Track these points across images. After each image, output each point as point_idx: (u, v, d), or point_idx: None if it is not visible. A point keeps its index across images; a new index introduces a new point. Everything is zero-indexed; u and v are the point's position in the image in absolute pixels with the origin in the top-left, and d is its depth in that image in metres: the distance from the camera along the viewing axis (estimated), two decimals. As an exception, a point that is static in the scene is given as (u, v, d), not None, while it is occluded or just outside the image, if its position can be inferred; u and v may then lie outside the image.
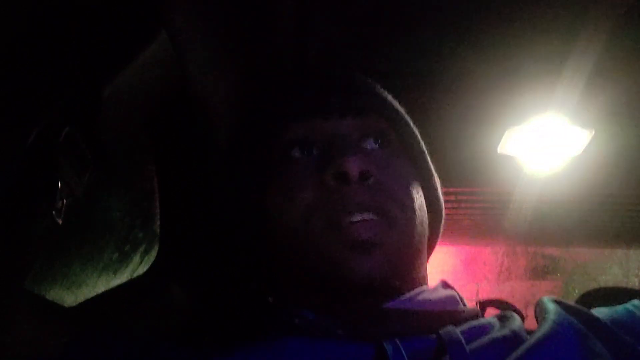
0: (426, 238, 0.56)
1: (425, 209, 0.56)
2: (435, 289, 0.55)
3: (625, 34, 0.87)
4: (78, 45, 0.43)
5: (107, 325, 0.55)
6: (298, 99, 0.57)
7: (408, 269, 0.52)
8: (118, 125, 0.46)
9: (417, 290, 0.52)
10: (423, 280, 0.55)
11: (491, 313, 0.55)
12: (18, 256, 0.37)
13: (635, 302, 0.52)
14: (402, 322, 0.47)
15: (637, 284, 4.59)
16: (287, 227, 0.52)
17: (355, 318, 0.47)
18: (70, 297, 0.61)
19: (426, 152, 0.60)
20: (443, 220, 0.63)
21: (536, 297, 0.54)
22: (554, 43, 0.91)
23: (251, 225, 0.57)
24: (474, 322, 0.49)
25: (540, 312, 0.51)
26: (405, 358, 0.42)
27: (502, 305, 0.55)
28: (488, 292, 4.50)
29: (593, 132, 1.50)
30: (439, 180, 0.63)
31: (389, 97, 0.59)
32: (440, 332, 0.45)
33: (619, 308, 0.52)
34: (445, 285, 0.57)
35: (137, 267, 0.71)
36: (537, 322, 0.49)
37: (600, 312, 0.51)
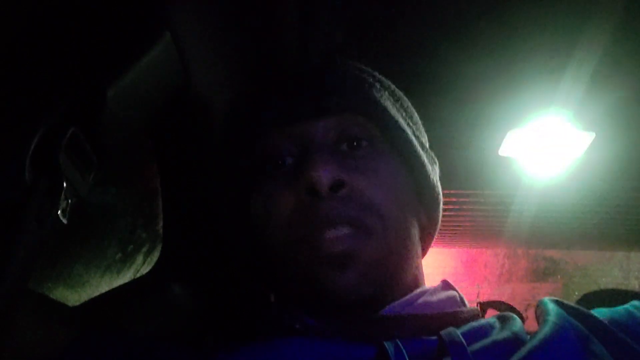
0: (415, 238, 0.54)
1: (416, 204, 0.55)
2: (435, 290, 0.54)
3: (626, 38, 0.87)
4: (82, 46, 0.44)
5: (110, 325, 0.56)
6: (269, 106, 0.54)
7: (393, 276, 0.50)
8: (122, 126, 0.46)
9: (417, 292, 0.52)
10: (415, 280, 0.54)
11: (492, 314, 0.55)
12: (22, 256, 0.37)
13: (635, 302, 0.52)
14: (402, 326, 0.47)
15: (637, 286, 4.58)
16: (268, 241, 0.52)
17: (355, 324, 0.47)
18: (74, 296, 0.61)
19: (415, 142, 0.56)
20: (440, 208, 0.61)
21: (536, 298, 0.54)
22: (556, 47, 0.91)
23: (245, 230, 0.57)
24: (475, 324, 0.48)
25: (540, 313, 0.50)
26: (407, 358, 0.42)
27: (502, 306, 0.55)
28: (489, 293, 4.50)
29: (594, 135, 1.50)
30: (436, 167, 0.60)
31: (369, 90, 0.55)
32: (441, 333, 0.45)
33: (619, 309, 0.51)
34: (446, 285, 0.56)
35: (140, 267, 0.71)
36: (538, 323, 0.49)
37: (600, 312, 0.51)
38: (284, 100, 0.54)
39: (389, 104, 0.56)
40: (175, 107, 0.58)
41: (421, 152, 0.57)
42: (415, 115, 0.60)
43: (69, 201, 0.40)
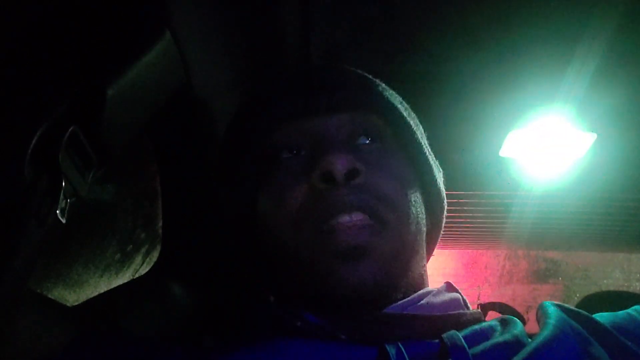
0: (423, 236, 0.54)
1: (422, 205, 0.55)
2: (439, 291, 0.54)
3: (627, 38, 0.87)
4: (82, 45, 0.44)
5: (108, 325, 0.56)
6: (285, 99, 0.54)
7: (403, 273, 0.50)
8: (122, 125, 0.46)
9: (420, 293, 0.52)
10: (421, 281, 0.54)
11: (493, 316, 0.54)
12: (21, 255, 0.37)
13: (638, 307, 0.52)
14: (404, 326, 0.47)
15: (638, 287, 4.58)
16: (276, 232, 0.51)
17: (358, 322, 0.47)
18: (73, 296, 0.61)
19: (424, 144, 0.57)
20: (444, 214, 0.61)
21: (537, 300, 0.54)
22: (557, 47, 0.91)
23: (248, 228, 0.56)
24: (476, 327, 0.48)
25: (541, 316, 0.50)
26: None
27: (503, 308, 0.55)
28: (490, 295, 4.50)
29: (595, 136, 1.50)
30: (441, 173, 0.60)
31: (382, 90, 0.56)
32: (443, 336, 0.45)
33: (620, 313, 0.51)
34: (449, 287, 0.56)
35: (139, 267, 0.71)
36: (539, 326, 0.49)
37: (602, 316, 0.50)
38: (298, 96, 0.54)
39: (399, 105, 0.57)
40: (176, 106, 0.58)
41: (429, 156, 0.58)
42: (421, 127, 0.61)
43: (68, 200, 0.40)
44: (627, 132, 1.40)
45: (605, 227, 3.01)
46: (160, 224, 0.72)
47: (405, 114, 0.56)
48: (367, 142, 0.53)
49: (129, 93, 0.45)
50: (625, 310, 0.52)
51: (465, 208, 2.69)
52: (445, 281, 0.57)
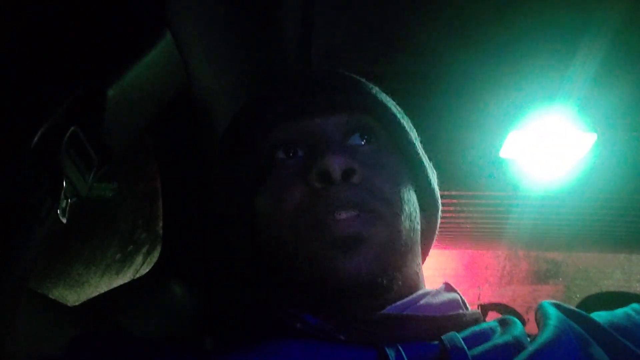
0: (417, 234, 0.55)
1: (417, 204, 0.55)
2: (438, 292, 0.54)
3: (628, 39, 0.87)
4: (83, 45, 0.44)
5: (109, 325, 0.56)
6: (282, 100, 0.55)
7: (397, 266, 0.50)
8: (122, 125, 0.46)
9: (419, 293, 0.52)
10: (416, 278, 0.54)
11: (493, 317, 0.54)
12: (22, 255, 0.37)
13: (635, 306, 0.52)
14: (403, 327, 0.47)
15: (639, 288, 4.58)
16: (275, 231, 0.52)
17: (357, 323, 0.47)
18: (73, 296, 0.61)
19: (418, 146, 0.59)
20: (439, 215, 0.62)
21: (538, 301, 0.54)
22: (557, 48, 0.91)
23: (246, 228, 0.56)
24: (476, 328, 0.48)
25: (541, 317, 0.50)
26: None
27: (503, 309, 0.55)
28: (490, 295, 4.49)
29: (596, 136, 1.50)
30: (435, 174, 0.61)
31: (376, 93, 0.58)
32: (442, 338, 0.45)
33: (618, 312, 0.51)
34: (448, 288, 0.56)
35: (140, 267, 0.71)
36: (538, 327, 0.49)
37: (600, 316, 0.51)
38: (295, 97, 0.55)
39: (393, 108, 0.58)
40: (176, 107, 0.58)
41: (422, 157, 0.59)
42: (415, 131, 0.62)
43: (69, 201, 0.40)
44: (628, 132, 1.40)
45: (606, 227, 3.01)
46: (161, 224, 0.72)
47: (399, 116, 0.58)
48: (363, 142, 0.54)
49: (130, 93, 0.45)
50: (623, 309, 0.52)
51: (465, 208, 2.69)
52: (444, 281, 0.57)
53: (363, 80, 0.59)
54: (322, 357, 0.44)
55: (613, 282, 4.63)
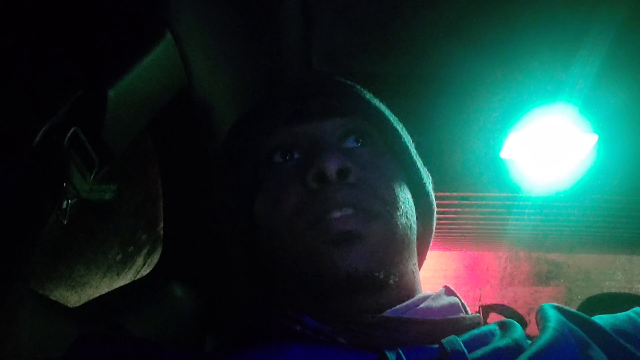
0: (414, 233, 0.55)
1: (412, 203, 0.56)
2: (437, 295, 0.54)
3: (630, 40, 0.87)
4: (84, 46, 0.44)
5: (110, 327, 0.56)
6: (280, 105, 0.57)
7: (394, 262, 0.51)
8: (123, 126, 0.46)
9: (419, 297, 0.52)
10: (413, 279, 0.54)
11: (494, 318, 0.54)
12: (23, 256, 0.37)
13: (637, 309, 0.52)
14: (404, 330, 0.46)
15: (640, 290, 4.57)
16: (274, 232, 0.53)
17: (357, 326, 0.47)
18: (74, 297, 0.61)
19: (411, 148, 0.60)
20: (435, 217, 0.63)
21: (539, 302, 0.54)
22: (559, 48, 0.91)
23: (245, 231, 0.57)
24: (476, 331, 0.48)
25: (540, 319, 0.50)
26: None
27: (505, 310, 0.55)
28: (491, 297, 4.49)
29: (597, 137, 1.50)
30: (429, 178, 0.62)
31: (370, 98, 0.59)
32: (442, 341, 0.45)
33: (620, 315, 0.51)
34: (448, 291, 0.56)
35: (141, 268, 0.71)
36: (538, 329, 0.49)
37: (602, 319, 0.50)
38: (292, 102, 0.57)
39: (387, 113, 0.60)
40: (177, 108, 0.59)
41: (416, 159, 0.60)
42: (409, 136, 0.63)
43: (70, 201, 0.40)
44: (629, 133, 1.40)
45: (607, 228, 3.01)
46: (162, 225, 0.72)
47: (392, 120, 0.59)
48: (358, 144, 0.56)
49: (130, 94, 0.45)
50: (625, 312, 0.51)
51: (466, 209, 2.68)
52: (444, 284, 0.57)
53: (358, 85, 0.60)
54: None
55: (614, 284, 4.62)
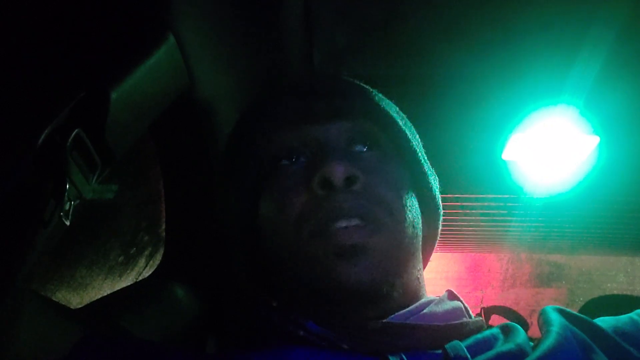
0: (419, 240, 0.55)
1: (419, 210, 0.55)
2: (441, 300, 0.54)
3: (631, 41, 0.87)
4: (87, 48, 0.44)
5: (112, 328, 0.56)
6: (286, 106, 0.56)
7: (399, 273, 0.50)
8: (125, 128, 0.46)
9: (422, 302, 0.52)
10: (417, 284, 0.54)
11: (496, 320, 0.54)
12: (26, 257, 0.37)
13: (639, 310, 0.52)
14: (407, 336, 0.46)
15: (642, 291, 4.55)
16: (278, 238, 0.52)
17: (360, 332, 0.47)
18: (76, 298, 0.61)
19: (419, 152, 0.59)
20: (440, 220, 0.62)
21: (541, 304, 0.54)
22: (560, 51, 0.91)
23: (250, 232, 0.56)
24: (479, 336, 0.48)
25: (543, 323, 0.50)
26: None
27: (507, 312, 0.55)
28: (493, 299, 4.48)
29: (598, 139, 1.50)
30: (436, 180, 0.62)
31: (379, 100, 0.58)
32: (446, 347, 0.44)
33: (623, 317, 0.51)
34: (451, 295, 0.56)
35: (143, 269, 0.71)
36: (541, 333, 0.49)
37: (604, 321, 0.50)
38: (298, 103, 0.55)
39: (395, 115, 0.58)
40: (179, 109, 0.59)
41: (424, 163, 0.59)
42: (418, 136, 0.62)
43: (72, 202, 0.40)
44: (630, 135, 1.40)
45: (609, 230, 3.00)
46: (164, 226, 0.72)
47: (401, 123, 0.58)
48: (365, 149, 0.54)
49: (133, 96, 0.45)
50: (628, 315, 0.51)
51: (468, 211, 2.68)
52: (447, 288, 0.57)
53: (366, 86, 0.59)
54: None
55: (616, 285, 4.61)
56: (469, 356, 0.43)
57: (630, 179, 1.81)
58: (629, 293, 4.38)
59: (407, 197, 0.53)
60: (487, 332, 0.49)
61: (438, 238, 0.62)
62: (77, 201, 0.41)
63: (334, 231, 0.48)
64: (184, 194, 0.73)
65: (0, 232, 0.36)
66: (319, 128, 0.54)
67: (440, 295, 0.56)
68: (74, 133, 0.39)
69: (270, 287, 0.59)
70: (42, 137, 0.37)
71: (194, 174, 0.72)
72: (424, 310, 0.50)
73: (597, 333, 0.48)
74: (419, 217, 0.55)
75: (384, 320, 0.48)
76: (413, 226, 0.52)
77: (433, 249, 0.63)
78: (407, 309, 0.50)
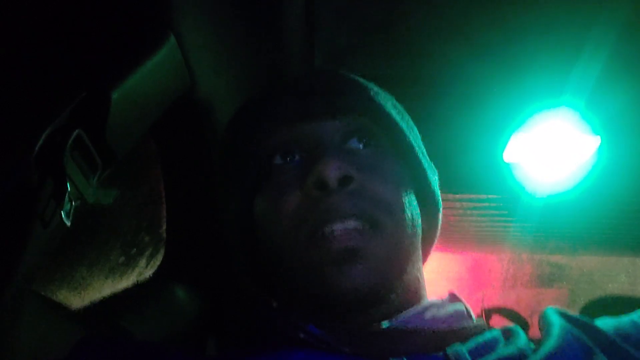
0: (419, 239, 0.54)
1: (417, 208, 0.54)
2: (443, 303, 0.54)
3: (633, 41, 0.87)
4: (87, 48, 0.44)
5: (112, 329, 0.56)
6: (280, 104, 0.54)
7: (398, 275, 0.49)
8: (126, 128, 0.46)
9: (425, 304, 0.52)
10: (417, 283, 0.54)
11: (497, 321, 0.54)
12: (26, 258, 0.37)
13: None
14: (409, 341, 0.46)
15: (644, 292, 4.54)
16: (273, 239, 0.51)
17: (361, 335, 0.47)
18: (77, 299, 0.61)
19: (417, 147, 0.58)
20: (440, 216, 0.61)
21: (542, 305, 0.53)
22: (561, 51, 0.91)
23: (247, 232, 0.56)
24: (480, 339, 0.48)
25: (544, 325, 0.50)
26: None
27: (508, 313, 0.55)
28: (494, 299, 4.47)
29: (600, 139, 1.50)
30: (436, 175, 0.61)
31: (374, 95, 0.56)
32: (447, 351, 0.44)
33: (624, 319, 0.51)
34: (453, 298, 0.56)
35: (143, 270, 0.71)
36: (541, 335, 0.49)
37: (605, 323, 0.50)
38: (295, 99, 0.54)
39: (393, 111, 0.57)
40: (180, 110, 0.58)
41: (422, 158, 0.58)
42: (416, 129, 0.61)
43: (73, 203, 0.40)
44: (631, 135, 1.40)
45: (610, 230, 3.00)
46: (164, 227, 0.72)
47: (397, 117, 0.56)
48: (361, 146, 0.53)
49: (134, 96, 0.45)
50: (628, 316, 0.51)
51: (469, 212, 2.68)
52: (448, 289, 0.57)
53: (362, 81, 0.58)
54: None
55: (618, 286, 4.60)
56: (469, 359, 0.43)
57: (632, 179, 1.80)
58: (630, 294, 4.37)
59: (406, 194, 0.52)
60: (488, 335, 0.49)
61: (438, 234, 0.61)
62: (78, 202, 0.41)
63: (329, 234, 0.47)
64: (184, 194, 0.73)
65: (1, 232, 0.36)
66: (314, 126, 0.53)
67: (442, 297, 0.56)
68: (75, 133, 0.39)
69: (270, 287, 0.59)
70: (43, 137, 0.37)
71: (194, 174, 0.72)
72: (426, 314, 0.50)
73: (598, 335, 0.48)
74: (419, 215, 0.54)
75: (386, 324, 0.48)
76: (413, 225, 0.51)
77: (433, 245, 0.62)
78: (409, 313, 0.49)
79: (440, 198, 0.60)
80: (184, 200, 0.73)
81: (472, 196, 2.41)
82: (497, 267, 4.65)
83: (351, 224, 0.47)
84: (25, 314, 0.40)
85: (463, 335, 0.48)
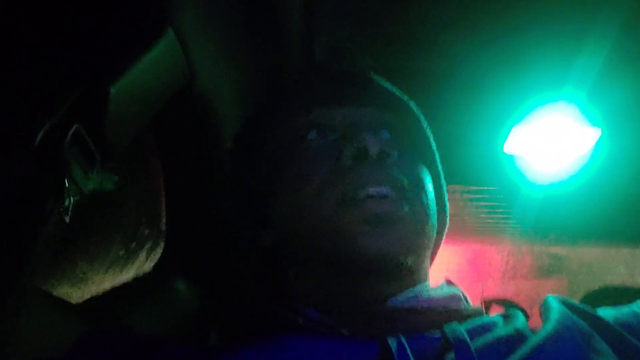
0: (434, 235, 0.55)
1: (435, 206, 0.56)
2: (439, 286, 0.54)
3: (635, 33, 0.86)
4: (86, 43, 0.44)
5: (113, 323, 0.56)
6: (319, 87, 0.57)
7: (418, 252, 0.51)
8: (125, 123, 0.46)
9: (420, 286, 0.52)
10: (425, 275, 0.55)
11: (496, 311, 0.55)
12: (26, 253, 0.37)
13: None
14: (406, 320, 0.47)
15: (643, 283, 4.56)
16: (298, 205, 0.51)
17: (359, 317, 0.47)
18: (77, 293, 0.61)
19: (436, 154, 0.61)
20: (447, 222, 0.63)
21: (541, 296, 0.54)
22: (563, 43, 0.90)
23: (258, 218, 0.56)
24: (478, 320, 0.48)
25: (544, 311, 0.51)
26: (410, 355, 0.42)
27: (507, 304, 0.55)
28: (493, 291, 4.49)
29: (600, 131, 1.49)
30: (445, 183, 0.63)
31: (402, 96, 0.60)
32: (444, 329, 0.45)
33: (624, 309, 0.51)
34: (448, 283, 0.56)
35: (143, 264, 0.71)
36: (542, 321, 0.49)
37: (605, 312, 0.51)
38: (333, 85, 0.57)
39: (421, 116, 0.61)
40: (179, 103, 0.58)
41: (439, 165, 0.61)
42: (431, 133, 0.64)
43: (72, 198, 0.40)
44: (633, 127, 1.39)
45: (610, 222, 3.00)
46: (164, 220, 0.72)
47: (424, 124, 0.60)
48: (390, 137, 0.55)
49: (133, 91, 0.45)
50: (628, 306, 0.52)
51: (469, 203, 2.68)
52: (445, 277, 0.58)
53: (394, 86, 0.61)
54: (324, 352, 0.44)
55: (617, 277, 4.62)
56: (467, 338, 0.43)
57: (632, 171, 1.80)
58: (629, 285, 4.39)
59: (429, 189, 0.54)
60: (486, 318, 0.49)
61: (443, 239, 0.63)
62: (77, 197, 0.41)
63: (364, 198, 0.48)
64: (184, 187, 0.73)
65: (0, 228, 0.36)
66: (349, 111, 0.55)
67: (438, 283, 0.56)
68: (73, 129, 0.39)
69: (273, 277, 0.59)
70: (41, 133, 0.36)
71: (194, 167, 0.72)
72: (423, 295, 0.51)
73: (598, 322, 0.48)
74: (436, 212, 0.55)
75: (383, 305, 0.48)
76: (434, 217, 0.53)
77: (438, 248, 0.63)
78: (406, 295, 0.50)
79: (448, 206, 0.62)
80: (184, 193, 0.73)
81: (473, 188, 2.41)
82: (496, 258, 4.67)
83: (385, 190, 0.48)
84: (25, 309, 0.41)
85: (460, 315, 0.49)
